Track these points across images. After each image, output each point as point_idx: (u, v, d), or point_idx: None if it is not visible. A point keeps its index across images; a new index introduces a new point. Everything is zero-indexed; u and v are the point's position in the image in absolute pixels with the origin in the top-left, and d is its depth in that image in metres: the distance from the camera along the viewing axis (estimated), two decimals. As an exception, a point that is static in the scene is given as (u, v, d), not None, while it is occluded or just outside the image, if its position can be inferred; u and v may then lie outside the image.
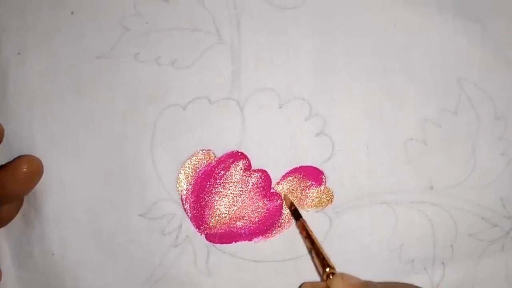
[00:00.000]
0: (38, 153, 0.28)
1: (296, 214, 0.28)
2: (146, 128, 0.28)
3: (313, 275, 0.29)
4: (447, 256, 0.30)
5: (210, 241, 0.29)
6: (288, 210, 0.29)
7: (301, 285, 0.28)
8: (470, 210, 0.30)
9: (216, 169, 0.29)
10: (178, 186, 0.28)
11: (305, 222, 0.28)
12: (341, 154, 0.29)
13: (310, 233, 0.28)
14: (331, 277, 0.26)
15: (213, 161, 0.29)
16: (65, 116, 0.28)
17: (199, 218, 0.29)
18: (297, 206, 0.29)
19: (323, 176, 0.29)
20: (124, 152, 0.28)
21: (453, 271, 0.30)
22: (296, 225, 0.29)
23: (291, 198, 0.29)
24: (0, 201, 0.26)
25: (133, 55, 0.28)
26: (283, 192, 0.29)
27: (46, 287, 0.29)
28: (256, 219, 0.29)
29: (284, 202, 0.29)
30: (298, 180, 0.29)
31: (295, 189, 0.29)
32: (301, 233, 0.28)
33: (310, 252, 0.28)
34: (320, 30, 0.29)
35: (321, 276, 0.27)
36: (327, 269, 0.26)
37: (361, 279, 0.26)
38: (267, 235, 0.29)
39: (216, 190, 0.29)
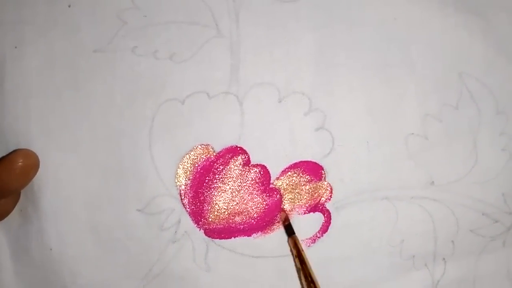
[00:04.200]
0: (35, 147, 0.28)
1: (289, 230, 0.28)
2: (144, 123, 0.28)
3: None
4: (448, 252, 0.29)
5: (209, 237, 0.28)
6: (286, 206, 0.29)
7: None
8: (471, 206, 0.29)
9: (215, 164, 0.28)
10: (176, 181, 0.28)
11: (298, 240, 0.28)
12: (341, 149, 0.29)
13: (302, 252, 0.27)
14: None
15: (212, 156, 0.28)
16: (62, 110, 0.28)
17: (198, 213, 0.28)
18: (291, 212, 0.28)
19: (322, 171, 0.29)
20: (122, 147, 0.28)
21: (454, 267, 0.30)
22: (287, 241, 0.28)
23: (287, 213, 0.28)
24: (-4, 195, 0.25)
25: (130, 48, 0.28)
26: (282, 188, 0.29)
27: (44, 282, 0.29)
28: (255, 215, 0.29)
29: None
30: (298, 175, 0.29)
31: (294, 184, 0.29)
32: (291, 250, 0.28)
33: (298, 272, 0.28)
34: (320, 23, 0.29)
35: None
36: None
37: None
38: (266, 230, 0.29)
39: (215, 185, 0.29)
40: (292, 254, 0.28)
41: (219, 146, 0.28)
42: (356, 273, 0.29)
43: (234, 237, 0.29)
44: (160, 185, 0.28)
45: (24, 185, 0.27)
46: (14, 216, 0.28)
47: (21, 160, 0.26)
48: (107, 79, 0.28)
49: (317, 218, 0.29)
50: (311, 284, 0.26)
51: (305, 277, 0.27)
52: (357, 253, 0.29)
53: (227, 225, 0.29)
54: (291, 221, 0.28)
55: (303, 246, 0.29)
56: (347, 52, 0.29)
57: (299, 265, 0.27)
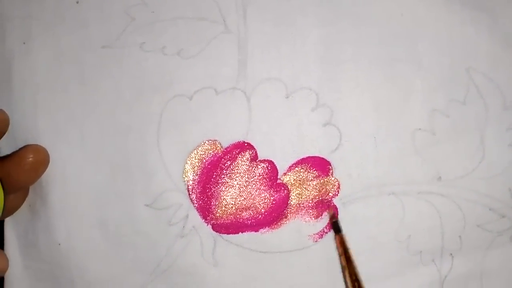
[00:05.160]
0: (43, 143, 0.28)
1: (336, 228, 0.28)
2: (152, 118, 0.28)
3: (319, 266, 0.29)
4: (455, 247, 0.29)
5: (216, 232, 0.28)
6: (294, 201, 0.29)
7: None
8: (478, 201, 0.29)
9: (223, 160, 0.28)
10: (184, 176, 0.28)
11: (344, 238, 0.28)
12: (349, 145, 0.29)
13: (348, 251, 0.28)
14: None
15: (219, 152, 0.28)
16: (70, 106, 0.28)
17: (205, 209, 0.28)
18: (304, 198, 0.29)
19: (330, 167, 0.29)
20: (130, 143, 0.28)
21: (461, 262, 0.30)
22: (334, 238, 0.28)
23: (333, 210, 0.28)
24: (6, 190, 0.26)
25: (138, 44, 0.28)
26: (290, 183, 0.29)
27: (52, 277, 0.29)
28: (262, 210, 0.29)
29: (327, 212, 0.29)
30: (305, 170, 0.29)
31: (301, 180, 0.29)
32: (337, 248, 0.28)
33: (343, 270, 0.28)
34: (327, 19, 0.29)
35: None
36: None
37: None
38: (273, 226, 0.29)
39: (223, 180, 0.29)
40: (337, 252, 0.28)
41: (226, 141, 0.28)
42: (363, 268, 0.29)
43: (242, 232, 0.29)
44: (168, 181, 0.28)
45: (34, 180, 0.27)
46: (23, 211, 0.28)
47: (31, 156, 0.26)
48: (115, 75, 0.28)
49: (325, 213, 0.29)
50: (356, 283, 0.26)
51: (350, 275, 0.27)
52: (364, 248, 0.29)
53: (234, 220, 0.29)
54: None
55: (311, 241, 0.29)
56: (354, 48, 0.29)
57: (344, 263, 0.28)
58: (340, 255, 0.28)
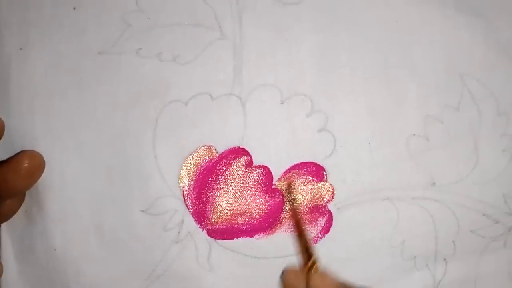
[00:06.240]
0: (40, 148, 0.28)
1: (290, 198, 0.28)
2: (148, 124, 0.28)
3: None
4: (449, 252, 0.30)
5: (211, 237, 0.29)
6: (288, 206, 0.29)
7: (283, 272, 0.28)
8: (472, 207, 0.29)
9: (218, 165, 0.29)
10: (179, 182, 0.28)
11: (297, 208, 0.28)
12: (343, 150, 0.29)
13: (298, 219, 0.28)
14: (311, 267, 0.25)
15: (214, 157, 0.29)
16: (67, 111, 0.28)
17: (200, 214, 0.29)
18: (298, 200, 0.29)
19: (324, 172, 0.29)
20: (126, 148, 0.28)
21: (455, 267, 0.30)
22: (288, 208, 0.29)
23: (289, 181, 0.29)
24: (2, 196, 0.26)
25: (135, 50, 0.28)
26: (285, 184, 0.29)
27: (48, 282, 0.29)
28: (257, 216, 0.29)
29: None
30: (300, 176, 0.29)
31: (296, 185, 0.29)
32: (290, 218, 0.28)
33: (295, 240, 0.28)
34: (322, 26, 0.29)
35: (301, 264, 0.26)
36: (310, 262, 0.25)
37: (339, 279, 0.24)
38: (268, 232, 0.29)
39: (218, 186, 0.29)
40: (292, 221, 0.28)
41: (222, 147, 0.29)
42: (357, 273, 0.29)
43: (237, 238, 0.29)
44: (163, 186, 0.28)
45: (30, 186, 0.27)
46: (19, 216, 0.29)
47: (26, 161, 0.26)
48: (112, 81, 0.28)
49: (319, 218, 0.29)
50: (306, 254, 0.26)
51: (301, 242, 0.26)
52: (359, 253, 0.29)
53: (229, 225, 0.29)
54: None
55: (305, 246, 0.29)
56: (349, 54, 0.29)
57: (296, 234, 0.27)
58: (293, 225, 0.28)
